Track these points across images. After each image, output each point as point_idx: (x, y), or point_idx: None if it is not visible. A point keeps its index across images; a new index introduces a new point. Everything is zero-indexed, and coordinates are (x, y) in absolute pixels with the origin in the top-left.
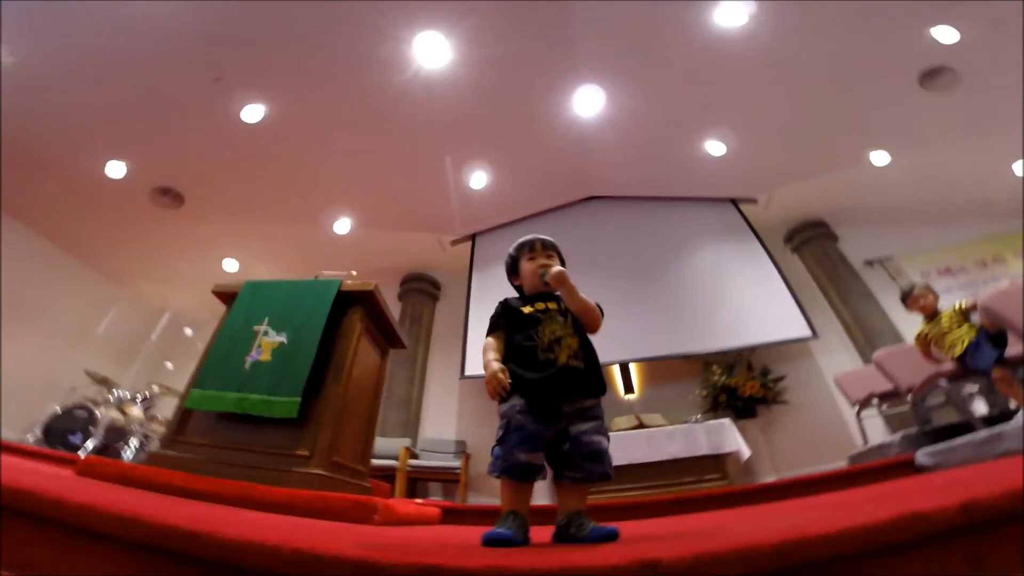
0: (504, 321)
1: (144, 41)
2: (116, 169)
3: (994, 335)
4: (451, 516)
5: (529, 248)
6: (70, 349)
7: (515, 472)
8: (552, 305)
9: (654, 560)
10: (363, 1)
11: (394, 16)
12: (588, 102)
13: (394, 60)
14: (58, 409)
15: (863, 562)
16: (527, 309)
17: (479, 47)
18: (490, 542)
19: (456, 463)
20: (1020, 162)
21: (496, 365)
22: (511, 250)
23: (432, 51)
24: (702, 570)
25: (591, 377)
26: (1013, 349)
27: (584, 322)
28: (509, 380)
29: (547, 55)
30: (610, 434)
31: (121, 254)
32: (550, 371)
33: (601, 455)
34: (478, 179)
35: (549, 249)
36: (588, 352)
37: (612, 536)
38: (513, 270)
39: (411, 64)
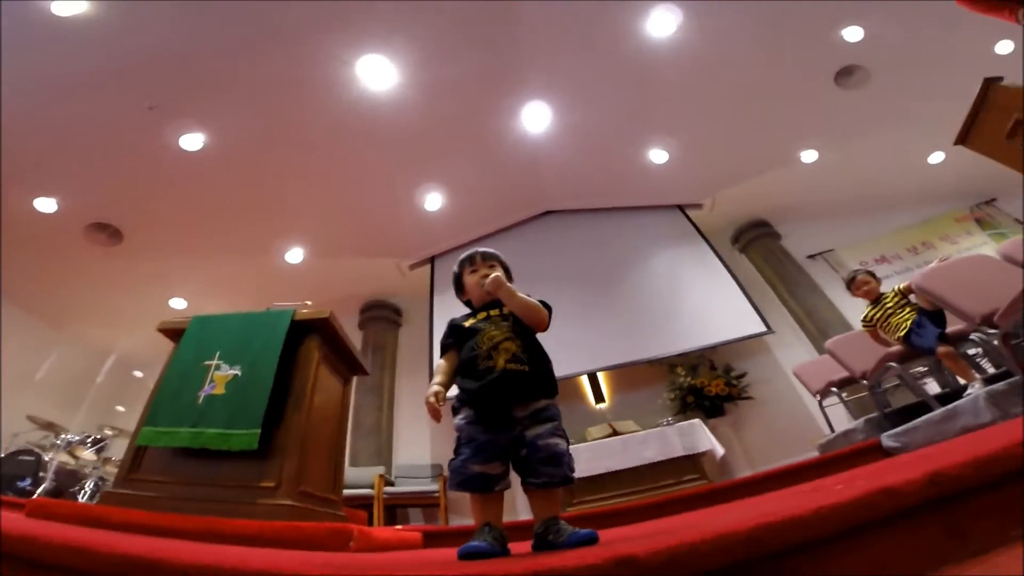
0: (452, 340)
1: (70, 68)
2: (46, 206)
3: (932, 314)
4: (433, 539)
5: (470, 263)
6: (10, 395)
7: (471, 484)
8: (495, 312)
9: (630, 556)
10: (301, 24)
11: (336, 40)
12: (536, 119)
13: (338, 84)
14: (1, 455)
15: (843, 543)
16: (469, 322)
17: (424, 69)
18: (466, 556)
19: (434, 487)
20: (936, 153)
21: (432, 388)
22: (455, 268)
23: (377, 74)
24: (679, 563)
25: (537, 378)
26: (954, 326)
27: (528, 322)
28: (441, 405)
29: (493, 74)
30: (585, 444)
31: (58, 296)
32: (489, 377)
33: (558, 458)
34: (433, 200)
35: (489, 260)
36: (534, 354)
37: (591, 540)
38: (459, 287)
39: (356, 87)
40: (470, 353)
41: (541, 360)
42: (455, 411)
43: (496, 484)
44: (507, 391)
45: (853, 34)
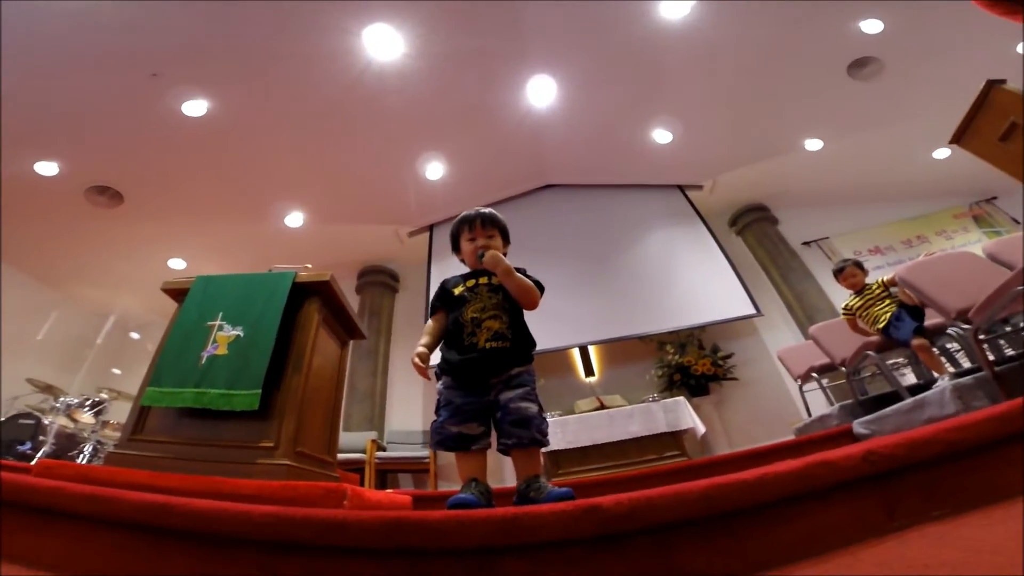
0: (440, 304)
1: (73, 35)
2: (47, 169)
3: (912, 308)
4: (422, 503)
5: (469, 228)
6: (9, 358)
7: (449, 443)
8: (483, 280)
9: (596, 506)
10: None
11: (341, 8)
12: (541, 92)
13: (343, 52)
14: (1, 418)
15: (786, 509)
16: (458, 289)
17: (431, 39)
18: (453, 506)
19: (425, 453)
20: (941, 149)
21: (417, 349)
22: (453, 226)
23: (383, 43)
24: (639, 513)
25: (515, 352)
26: (933, 320)
27: (521, 302)
28: (427, 366)
29: (499, 46)
30: (574, 416)
31: (57, 257)
32: (470, 355)
33: (527, 421)
34: (434, 170)
35: (489, 226)
36: (516, 330)
37: (568, 496)
38: (456, 246)
39: (362, 56)
40: (455, 325)
41: (523, 335)
42: (437, 376)
43: (473, 444)
44: (485, 366)
45: (872, 26)
